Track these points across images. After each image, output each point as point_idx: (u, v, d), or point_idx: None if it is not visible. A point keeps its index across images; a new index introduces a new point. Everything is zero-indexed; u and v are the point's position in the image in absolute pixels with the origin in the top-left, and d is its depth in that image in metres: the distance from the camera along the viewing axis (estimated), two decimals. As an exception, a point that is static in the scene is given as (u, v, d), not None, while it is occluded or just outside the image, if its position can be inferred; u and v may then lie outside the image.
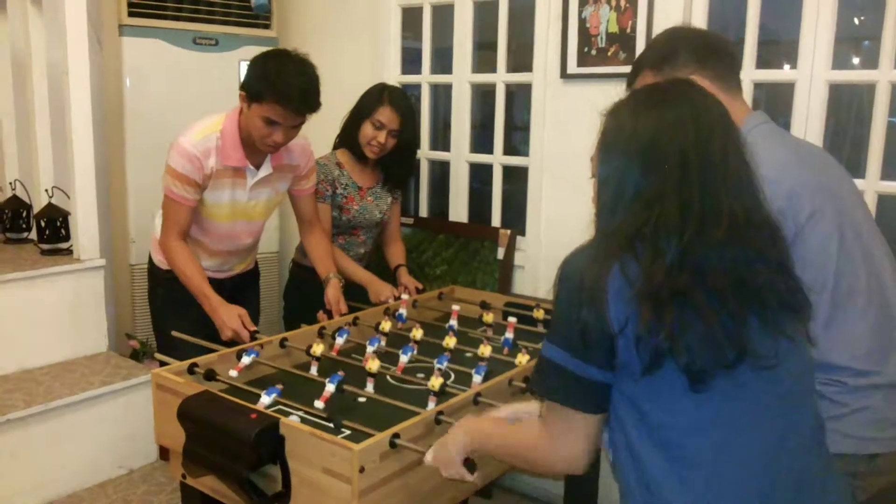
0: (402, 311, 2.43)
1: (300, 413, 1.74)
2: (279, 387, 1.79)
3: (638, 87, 1.67)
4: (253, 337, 2.16)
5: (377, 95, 2.74)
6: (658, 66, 1.64)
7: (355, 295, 2.62)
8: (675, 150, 1.14)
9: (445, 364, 1.92)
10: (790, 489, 1.14)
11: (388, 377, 2.02)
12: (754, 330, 1.11)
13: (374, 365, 1.89)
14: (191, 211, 2.34)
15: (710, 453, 1.11)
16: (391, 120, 2.71)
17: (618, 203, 1.17)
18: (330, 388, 1.76)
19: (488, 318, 2.44)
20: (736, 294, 1.10)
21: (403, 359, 2.01)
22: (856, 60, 2.86)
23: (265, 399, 1.76)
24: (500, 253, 3.07)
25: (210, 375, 1.89)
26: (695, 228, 1.11)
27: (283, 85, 2.15)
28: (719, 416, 1.11)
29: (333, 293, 2.46)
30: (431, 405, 1.76)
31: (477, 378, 1.86)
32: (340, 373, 1.79)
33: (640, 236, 1.12)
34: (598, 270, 1.11)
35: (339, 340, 2.15)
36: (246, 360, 1.99)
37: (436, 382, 1.78)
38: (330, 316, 2.39)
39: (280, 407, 1.77)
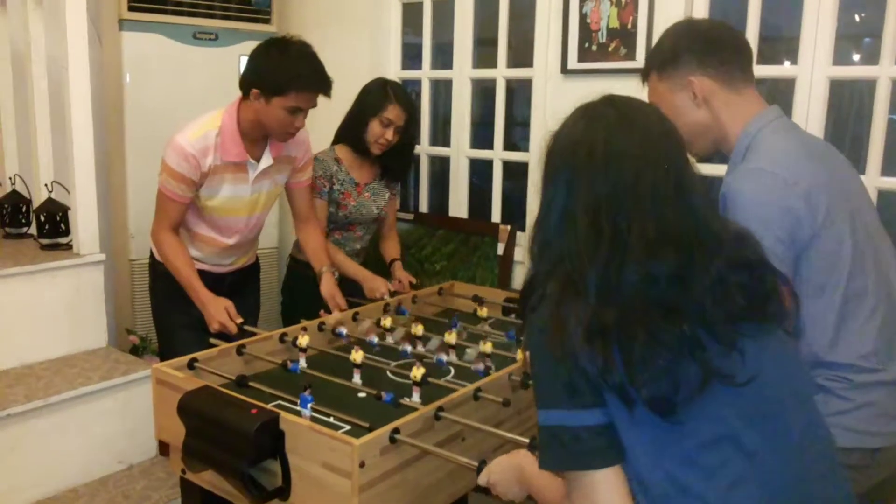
0: (404, 307, 2.44)
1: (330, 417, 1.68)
2: (308, 393, 1.69)
3: (649, 89, 1.68)
4: (240, 328, 2.19)
5: (381, 93, 2.73)
6: (662, 68, 1.65)
7: (351, 290, 2.62)
8: (581, 169, 1.12)
9: (445, 359, 1.93)
10: (796, 496, 1.10)
11: (387, 372, 2.02)
12: (712, 349, 1.04)
13: (357, 356, 1.91)
14: (184, 208, 2.35)
15: (703, 483, 1.06)
16: (399, 117, 2.71)
17: (548, 230, 1.14)
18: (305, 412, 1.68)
19: (482, 312, 2.44)
20: (674, 317, 1.04)
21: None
22: (856, 57, 2.86)
23: (305, 412, 1.67)
24: (500, 248, 3.07)
25: (242, 382, 1.89)
26: (606, 255, 1.06)
27: (304, 72, 2.22)
28: (707, 442, 1.06)
29: (328, 288, 2.47)
30: (415, 396, 1.78)
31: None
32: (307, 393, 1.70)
33: (568, 273, 1.09)
34: (558, 316, 1.07)
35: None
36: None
37: (417, 373, 1.77)
38: (329, 312, 2.39)
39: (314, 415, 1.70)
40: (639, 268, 1.05)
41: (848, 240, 1.46)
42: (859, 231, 1.49)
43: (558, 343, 1.06)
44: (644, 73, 1.70)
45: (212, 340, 2.13)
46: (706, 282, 1.06)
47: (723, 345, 1.05)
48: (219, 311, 2.23)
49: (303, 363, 2.03)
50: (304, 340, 2.04)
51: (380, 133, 2.71)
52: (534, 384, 1.14)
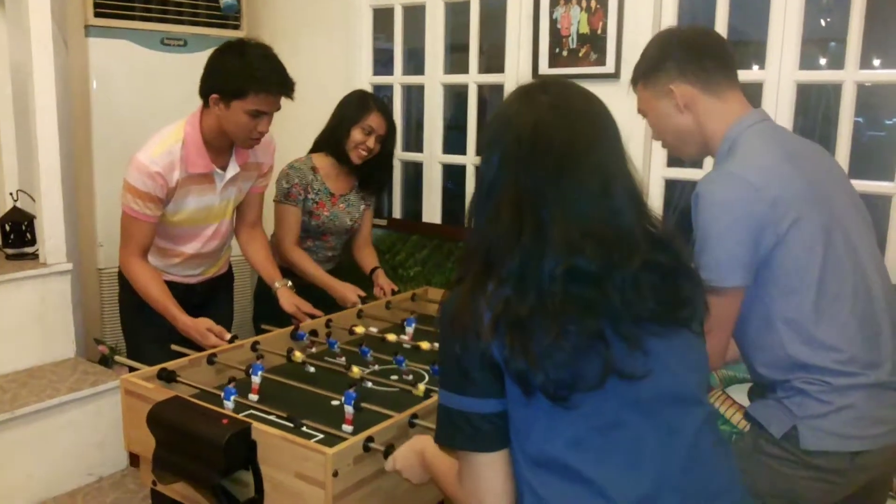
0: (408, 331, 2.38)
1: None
2: (232, 386, 1.80)
3: (637, 96, 1.71)
4: (232, 341, 2.15)
5: (362, 103, 2.76)
6: (646, 77, 1.68)
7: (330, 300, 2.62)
8: (509, 156, 1.12)
9: (404, 364, 1.95)
10: (677, 492, 1.11)
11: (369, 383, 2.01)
12: (616, 347, 1.07)
13: (356, 372, 1.92)
14: (153, 227, 2.29)
15: (592, 466, 1.08)
16: (380, 126, 2.75)
17: (479, 214, 1.15)
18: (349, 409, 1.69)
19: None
20: (586, 313, 1.06)
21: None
22: (823, 61, 2.91)
23: (228, 404, 1.76)
24: (474, 254, 3.07)
25: (170, 377, 1.89)
26: (527, 246, 1.08)
27: (263, 73, 2.17)
28: (599, 426, 1.08)
29: (288, 301, 2.44)
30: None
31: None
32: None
33: (489, 261, 1.11)
34: (469, 304, 1.09)
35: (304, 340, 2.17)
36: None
37: (420, 388, 1.80)
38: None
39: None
40: (558, 264, 1.07)
41: (819, 245, 1.48)
42: (837, 237, 1.50)
43: (466, 329, 1.08)
44: (632, 82, 1.73)
45: (175, 348, 2.10)
46: (620, 282, 1.08)
47: (628, 343, 1.08)
48: (205, 336, 2.18)
49: (311, 370, 2.05)
50: (299, 355, 2.08)
51: (361, 139, 2.72)
52: (439, 365, 1.17)
